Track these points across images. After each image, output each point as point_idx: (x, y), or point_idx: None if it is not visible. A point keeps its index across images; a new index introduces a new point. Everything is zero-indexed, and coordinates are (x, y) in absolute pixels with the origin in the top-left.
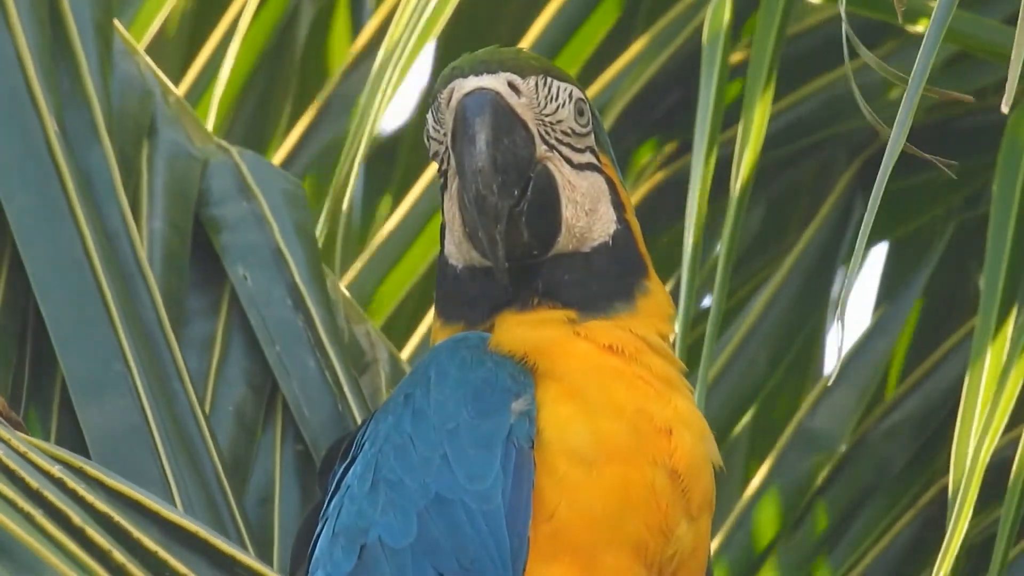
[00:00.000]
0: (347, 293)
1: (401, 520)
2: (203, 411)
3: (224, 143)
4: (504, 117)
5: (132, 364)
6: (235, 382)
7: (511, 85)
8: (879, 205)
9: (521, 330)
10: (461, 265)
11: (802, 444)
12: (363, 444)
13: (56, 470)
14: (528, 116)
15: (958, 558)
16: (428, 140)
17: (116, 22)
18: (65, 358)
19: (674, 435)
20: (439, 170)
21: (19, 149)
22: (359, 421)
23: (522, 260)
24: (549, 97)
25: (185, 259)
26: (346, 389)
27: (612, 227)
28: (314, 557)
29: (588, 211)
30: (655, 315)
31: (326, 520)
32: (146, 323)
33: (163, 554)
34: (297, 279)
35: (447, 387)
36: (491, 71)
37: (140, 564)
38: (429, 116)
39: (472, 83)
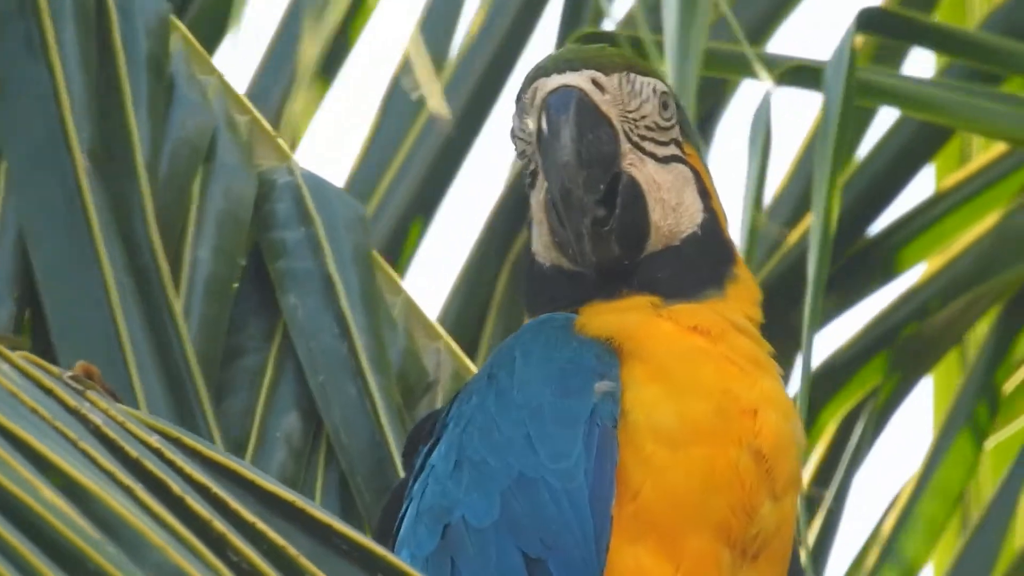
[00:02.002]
0: (423, 311)
1: (484, 499)
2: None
3: (296, 164)
4: (588, 113)
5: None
6: (286, 409)
7: (595, 82)
8: None
9: (607, 315)
10: (548, 263)
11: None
12: (447, 424)
13: (154, 440)
14: (612, 113)
15: None
16: (514, 140)
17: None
18: None
19: (760, 415)
20: (525, 169)
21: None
22: (394, 449)
23: (614, 268)
24: (633, 93)
25: (229, 287)
26: (383, 418)
27: (699, 216)
28: (399, 537)
29: (675, 206)
30: (743, 299)
31: (410, 500)
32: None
33: (261, 525)
34: (345, 306)
35: (531, 367)
36: (575, 69)
37: (239, 535)
38: (514, 116)
39: (556, 81)
